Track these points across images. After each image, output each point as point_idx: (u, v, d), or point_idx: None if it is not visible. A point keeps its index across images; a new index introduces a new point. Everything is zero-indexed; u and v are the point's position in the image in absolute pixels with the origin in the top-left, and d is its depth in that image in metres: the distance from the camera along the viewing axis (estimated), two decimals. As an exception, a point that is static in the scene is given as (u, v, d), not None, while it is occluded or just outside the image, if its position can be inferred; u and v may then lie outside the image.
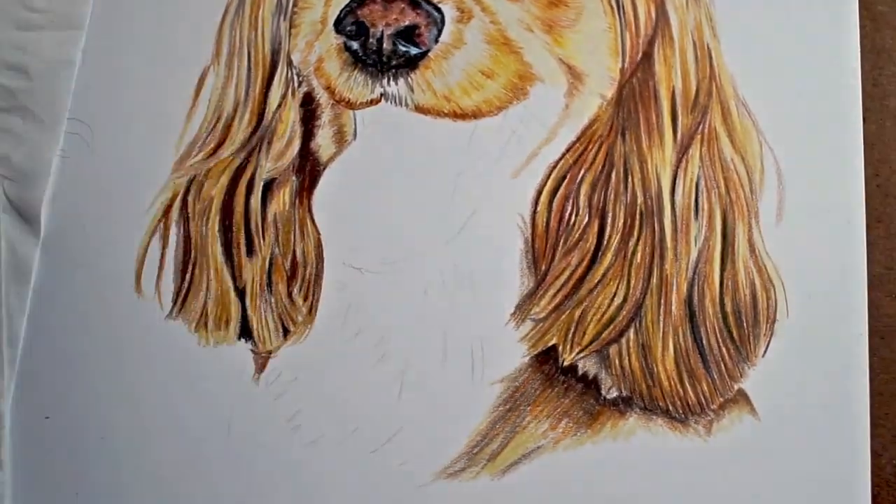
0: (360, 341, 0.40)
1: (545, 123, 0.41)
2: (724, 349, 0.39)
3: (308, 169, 0.42)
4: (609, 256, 0.40)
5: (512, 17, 0.42)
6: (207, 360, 0.41)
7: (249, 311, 0.41)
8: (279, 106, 0.43)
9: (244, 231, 0.42)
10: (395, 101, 0.41)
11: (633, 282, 0.40)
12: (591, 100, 0.41)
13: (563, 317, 0.40)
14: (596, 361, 0.39)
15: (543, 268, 0.40)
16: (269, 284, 0.41)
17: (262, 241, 0.42)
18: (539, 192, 0.41)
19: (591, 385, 0.39)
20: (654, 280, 0.40)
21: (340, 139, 0.42)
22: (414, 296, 0.40)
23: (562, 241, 0.40)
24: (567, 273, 0.40)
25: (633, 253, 0.40)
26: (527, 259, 0.40)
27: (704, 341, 0.39)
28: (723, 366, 0.39)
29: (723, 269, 0.39)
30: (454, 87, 0.41)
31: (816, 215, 0.39)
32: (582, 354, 0.39)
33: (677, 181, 0.40)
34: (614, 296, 0.40)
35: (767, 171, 0.40)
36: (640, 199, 0.40)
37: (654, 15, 0.41)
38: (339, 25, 0.42)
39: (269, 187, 0.42)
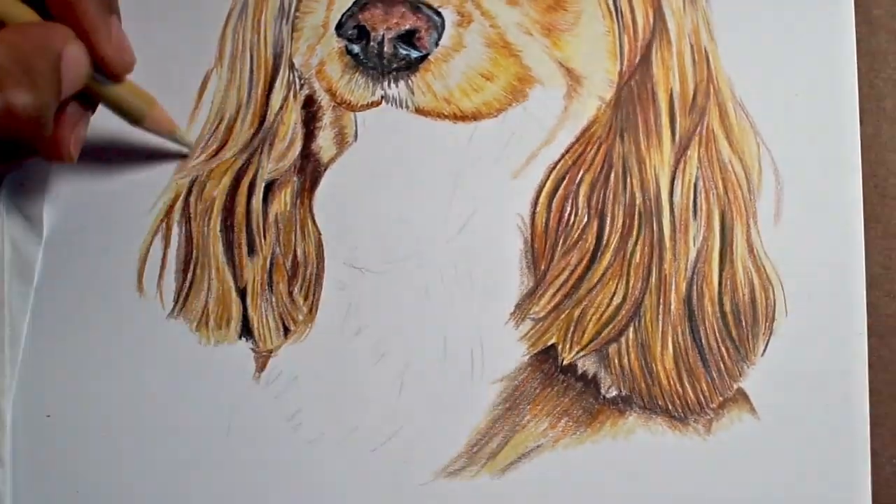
0: (360, 340, 0.40)
1: (544, 125, 0.42)
2: (723, 348, 0.39)
3: (309, 170, 0.42)
4: (608, 256, 0.40)
5: (511, 21, 0.42)
6: (208, 358, 0.41)
7: (250, 311, 0.41)
8: (281, 108, 0.43)
9: (245, 231, 0.42)
10: (396, 104, 0.42)
11: (632, 281, 0.40)
12: (590, 102, 0.42)
13: (563, 316, 0.40)
14: (595, 360, 0.39)
15: (543, 267, 0.40)
16: (270, 284, 0.42)
17: (263, 241, 0.42)
18: (538, 193, 0.41)
19: (590, 384, 0.39)
20: (653, 280, 0.40)
21: (341, 141, 0.43)
22: (414, 295, 0.41)
23: (561, 241, 0.41)
24: (566, 273, 0.40)
25: (632, 253, 0.40)
26: (526, 259, 0.41)
27: (703, 340, 0.39)
28: (722, 365, 0.39)
29: (721, 269, 0.40)
30: (454, 89, 0.42)
31: (814, 216, 0.40)
32: (581, 353, 0.40)
33: (676, 182, 0.40)
34: (613, 295, 0.40)
35: (765, 171, 0.40)
36: (638, 200, 0.41)
37: (651, 19, 0.42)
38: (340, 29, 0.42)
39: (270, 188, 0.42)
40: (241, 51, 0.44)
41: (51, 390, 0.41)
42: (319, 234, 0.42)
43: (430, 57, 0.41)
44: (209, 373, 0.41)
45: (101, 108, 0.40)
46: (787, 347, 0.39)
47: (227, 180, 0.43)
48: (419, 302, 0.40)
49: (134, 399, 0.41)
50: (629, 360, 0.39)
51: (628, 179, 0.41)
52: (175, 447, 0.40)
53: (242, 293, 0.42)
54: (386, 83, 0.42)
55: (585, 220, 0.41)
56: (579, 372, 0.39)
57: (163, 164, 0.43)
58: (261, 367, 0.41)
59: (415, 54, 0.41)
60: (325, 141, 0.43)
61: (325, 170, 0.42)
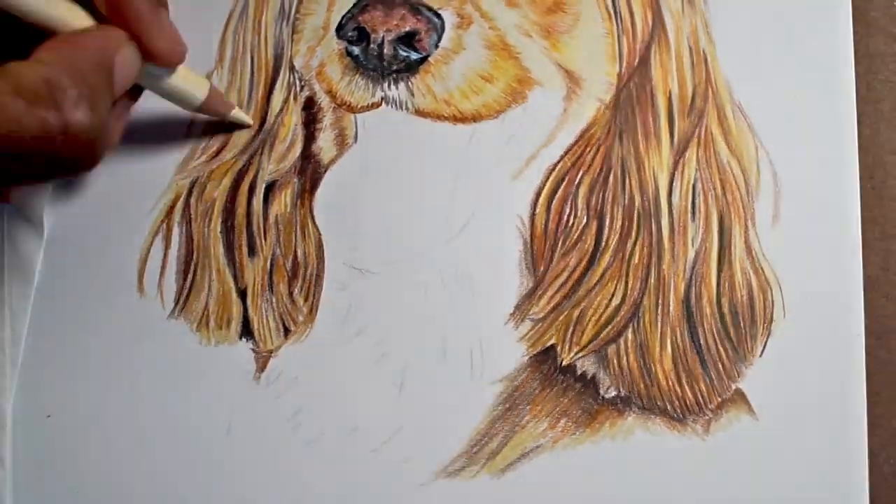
0: (360, 341, 0.41)
1: (544, 127, 0.42)
2: (721, 349, 0.39)
3: (309, 171, 0.43)
4: (607, 257, 0.40)
5: (510, 23, 0.42)
6: (209, 359, 0.41)
7: (251, 311, 0.41)
8: (281, 110, 0.43)
9: (246, 232, 0.42)
10: (396, 105, 0.42)
11: (630, 282, 0.40)
12: (589, 103, 0.42)
13: (562, 317, 0.40)
14: (594, 361, 0.40)
15: (542, 268, 0.41)
16: (271, 285, 0.42)
17: (263, 242, 0.42)
18: (538, 195, 0.41)
19: (589, 385, 0.39)
20: (652, 281, 0.40)
21: (341, 142, 0.43)
22: (414, 296, 0.41)
23: (560, 242, 0.41)
24: (566, 274, 0.40)
25: (631, 254, 0.40)
26: (526, 260, 0.41)
27: (702, 341, 0.39)
28: (720, 365, 0.39)
29: (720, 270, 0.40)
30: (454, 91, 0.42)
31: (812, 217, 0.40)
32: (580, 354, 0.40)
33: (674, 183, 0.41)
34: (612, 296, 0.40)
35: (763, 173, 0.40)
36: (637, 201, 0.41)
37: (650, 20, 0.42)
38: (340, 31, 0.43)
39: (270, 189, 0.42)
40: (242, 52, 0.44)
41: (51, 391, 0.41)
42: (319, 234, 0.42)
43: (429, 59, 0.42)
44: (209, 373, 0.41)
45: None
46: (786, 348, 0.39)
47: (227, 181, 0.43)
48: (419, 303, 0.41)
49: (134, 399, 0.41)
50: (628, 360, 0.39)
51: (627, 181, 0.41)
52: (175, 447, 0.40)
53: (243, 294, 0.42)
54: (386, 85, 0.42)
55: (584, 221, 0.41)
56: (578, 372, 0.40)
57: (163, 164, 0.43)
58: (261, 368, 0.41)
59: (415, 56, 0.42)
60: (325, 142, 0.43)
61: (325, 171, 0.42)
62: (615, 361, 0.39)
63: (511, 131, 0.42)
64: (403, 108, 0.42)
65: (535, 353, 0.40)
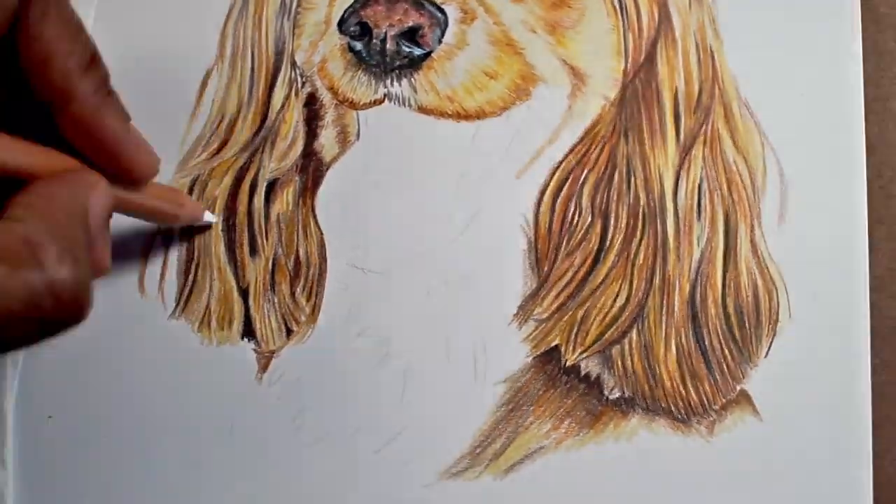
0: (362, 341, 0.40)
1: (548, 124, 0.41)
2: (726, 350, 0.39)
3: (311, 169, 0.42)
4: (612, 257, 0.40)
5: (515, 19, 0.42)
6: (210, 359, 0.41)
7: (252, 311, 0.41)
8: (283, 106, 0.43)
9: (247, 231, 0.42)
10: (399, 102, 0.41)
11: (635, 282, 0.40)
12: (594, 101, 0.41)
13: (566, 317, 0.40)
14: (598, 362, 0.39)
15: (546, 268, 0.40)
16: (273, 284, 0.41)
17: (265, 242, 0.42)
18: (542, 193, 0.41)
19: (593, 385, 0.39)
20: (657, 281, 0.40)
21: (344, 139, 0.42)
22: (417, 296, 0.40)
23: (565, 241, 0.40)
24: (570, 274, 0.40)
25: (636, 254, 0.40)
26: (530, 259, 0.40)
27: (707, 342, 0.39)
28: (725, 366, 0.39)
29: (725, 270, 0.40)
30: (457, 87, 0.41)
31: (819, 217, 0.40)
32: (585, 355, 0.40)
33: (680, 182, 0.40)
34: (617, 296, 0.40)
35: (770, 172, 0.40)
36: (642, 200, 0.40)
37: (657, 16, 0.42)
38: (342, 26, 0.42)
39: (272, 187, 0.42)
40: (242, 48, 0.43)
41: (52, 391, 0.41)
42: (322, 234, 0.41)
43: (433, 54, 0.41)
44: (211, 374, 0.41)
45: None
46: (791, 349, 0.39)
47: (228, 180, 0.42)
48: (422, 302, 0.40)
49: (135, 400, 0.41)
50: (632, 361, 0.39)
51: (632, 180, 0.41)
52: (177, 448, 0.40)
53: (244, 294, 0.41)
54: (389, 81, 0.41)
55: (589, 220, 0.40)
56: (582, 373, 0.39)
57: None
58: (263, 368, 0.41)
59: (418, 52, 0.41)
60: (327, 140, 0.42)
61: (327, 169, 0.42)
62: (619, 362, 0.39)
63: (515, 129, 0.41)
64: (406, 104, 0.41)
65: (538, 353, 0.40)
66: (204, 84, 0.43)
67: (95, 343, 0.41)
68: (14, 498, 0.40)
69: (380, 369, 0.40)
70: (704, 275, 0.40)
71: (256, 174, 0.42)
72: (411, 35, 0.41)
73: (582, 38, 0.42)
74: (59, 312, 0.29)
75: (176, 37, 0.43)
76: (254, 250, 0.42)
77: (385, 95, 0.41)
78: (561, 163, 0.41)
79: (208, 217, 0.41)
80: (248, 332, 0.41)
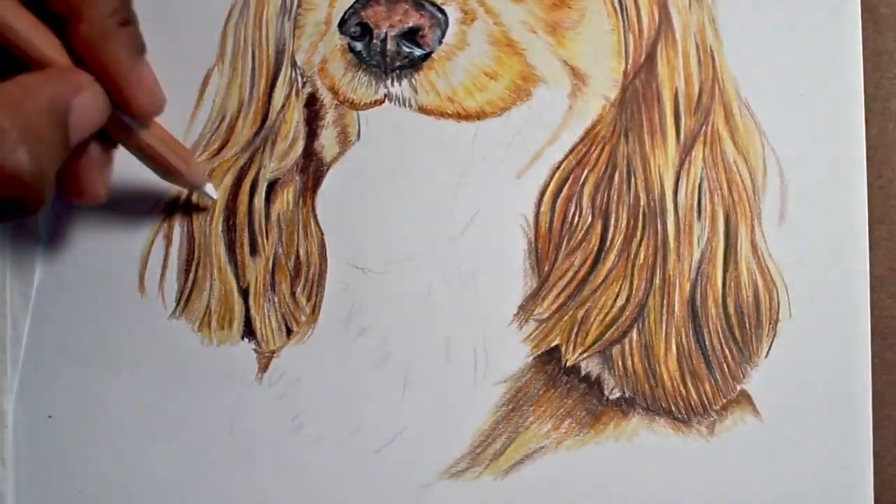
0: (363, 341, 0.40)
1: (548, 124, 0.41)
2: (726, 350, 0.39)
3: (312, 169, 0.42)
4: (612, 257, 0.40)
5: (515, 19, 0.42)
6: (210, 359, 0.41)
7: (253, 311, 0.41)
8: (283, 106, 0.43)
9: (248, 231, 0.42)
10: (399, 102, 0.41)
11: (636, 282, 0.40)
12: (595, 101, 0.41)
13: (567, 317, 0.40)
14: (599, 362, 0.39)
15: (546, 268, 0.40)
16: (273, 284, 0.41)
17: (265, 241, 0.42)
18: (542, 193, 0.41)
19: (593, 385, 0.39)
20: (657, 281, 0.40)
21: (344, 140, 0.42)
22: (417, 296, 0.40)
23: (565, 241, 0.40)
24: (570, 274, 0.40)
25: (637, 254, 0.40)
26: (530, 260, 0.40)
27: (707, 342, 0.39)
28: (725, 366, 0.39)
29: (725, 270, 0.40)
30: (458, 88, 0.41)
31: (819, 217, 0.40)
32: (585, 355, 0.40)
33: (680, 182, 0.40)
34: (617, 296, 0.40)
35: (770, 172, 0.40)
36: (643, 201, 0.40)
37: (657, 17, 0.42)
38: (343, 26, 0.42)
39: (272, 187, 0.42)
40: (243, 48, 0.43)
41: (52, 391, 0.41)
42: (322, 234, 0.41)
43: (433, 55, 0.41)
44: (211, 373, 0.41)
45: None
46: (791, 349, 0.39)
47: (228, 179, 0.42)
48: (422, 302, 0.40)
49: (135, 400, 0.41)
50: (633, 361, 0.39)
51: (632, 180, 0.41)
52: (177, 448, 0.40)
53: (245, 294, 0.41)
54: (389, 81, 0.41)
55: (589, 220, 0.40)
56: (583, 373, 0.39)
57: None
58: (263, 368, 0.41)
59: (418, 52, 0.41)
60: (327, 140, 0.42)
61: (327, 169, 0.42)
62: (620, 362, 0.39)
63: (515, 129, 0.41)
64: (407, 105, 0.41)
65: (539, 353, 0.40)
66: (204, 84, 0.43)
67: (95, 343, 0.41)
68: (14, 498, 0.40)
69: (380, 369, 0.40)
70: (705, 275, 0.40)
71: (257, 174, 0.42)
72: (412, 35, 0.41)
73: (582, 38, 0.42)
74: (7, 193, 0.30)
75: (176, 36, 0.43)
76: (254, 250, 0.42)
77: (385, 96, 0.41)
78: (561, 163, 0.41)
79: (209, 190, 0.41)
80: (249, 332, 0.41)
